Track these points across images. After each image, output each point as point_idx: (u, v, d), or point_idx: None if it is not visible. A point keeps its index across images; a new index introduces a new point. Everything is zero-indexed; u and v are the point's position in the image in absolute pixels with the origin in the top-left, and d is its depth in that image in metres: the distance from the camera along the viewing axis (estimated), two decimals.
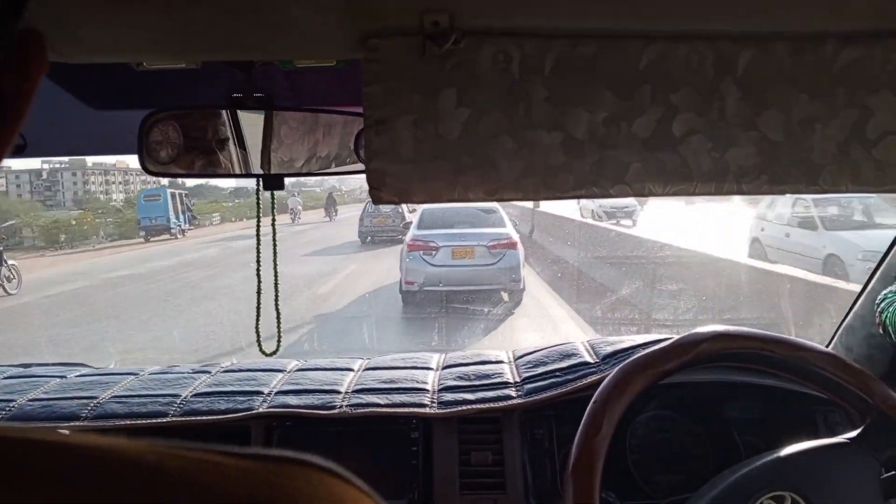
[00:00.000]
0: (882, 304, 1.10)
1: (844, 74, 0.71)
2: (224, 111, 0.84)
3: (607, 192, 0.72)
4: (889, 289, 1.10)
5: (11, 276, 10.53)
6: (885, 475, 0.89)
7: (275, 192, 0.92)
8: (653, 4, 0.64)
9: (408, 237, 8.69)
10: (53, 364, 1.40)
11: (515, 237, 8.34)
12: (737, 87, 0.71)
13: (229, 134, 0.85)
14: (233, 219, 28.55)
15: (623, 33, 0.69)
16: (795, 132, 0.72)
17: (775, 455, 0.90)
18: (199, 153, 0.84)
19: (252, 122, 0.88)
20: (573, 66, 0.69)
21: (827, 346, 1.31)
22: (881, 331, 1.10)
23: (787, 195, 0.77)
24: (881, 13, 0.67)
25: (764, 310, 6.04)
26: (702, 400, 1.19)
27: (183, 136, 0.81)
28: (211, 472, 0.23)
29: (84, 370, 1.35)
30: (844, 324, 1.28)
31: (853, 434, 0.90)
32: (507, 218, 9.16)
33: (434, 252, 8.00)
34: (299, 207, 27.32)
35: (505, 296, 7.89)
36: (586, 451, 0.87)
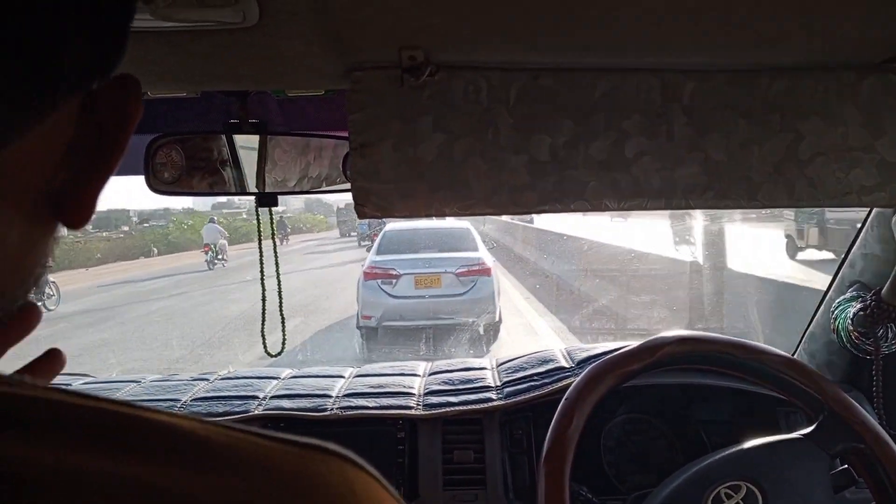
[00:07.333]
0: (836, 312, 1.17)
1: (778, 102, 0.79)
2: (222, 135, 0.92)
3: (568, 207, 0.80)
4: (842, 297, 1.18)
5: (51, 293, 10.76)
6: (836, 470, 0.96)
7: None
8: (603, 42, 0.72)
9: (365, 264, 7.57)
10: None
11: (489, 262, 7.46)
12: (682, 114, 0.79)
13: (227, 156, 0.93)
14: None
15: (578, 67, 0.77)
16: (736, 153, 0.80)
17: (734, 449, 0.95)
18: (200, 173, 0.91)
19: (248, 145, 0.95)
20: (535, 97, 0.77)
21: (793, 354, 1.38)
22: (835, 336, 1.17)
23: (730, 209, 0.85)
24: (807, 50, 0.75)
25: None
26: (672, 403, 1.25)
27: (185, 158, 0.89)
28: (254, 452, 0.25)
29: (88, 379, 1.42)
30: (807, 331, 1.36)
31: (807, 430, 0.95)
32: (479, 239, 8.10)
33: (394, 281, 7.08)
34: (223, 241, 16.81)
35: (480, 329, 6.88)
36: (559, 441, 0.92)
